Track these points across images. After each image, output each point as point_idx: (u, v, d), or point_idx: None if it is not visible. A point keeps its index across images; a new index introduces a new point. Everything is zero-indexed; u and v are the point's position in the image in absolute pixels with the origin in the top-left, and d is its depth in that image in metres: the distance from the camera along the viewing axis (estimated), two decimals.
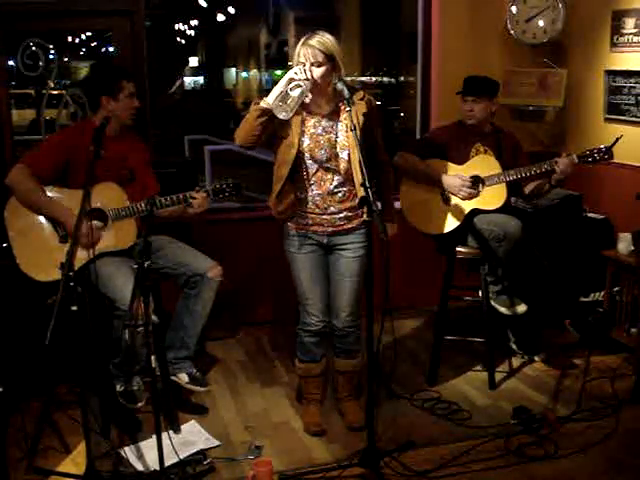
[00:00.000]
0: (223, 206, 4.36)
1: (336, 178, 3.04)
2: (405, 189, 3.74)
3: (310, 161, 3.02)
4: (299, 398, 3.48)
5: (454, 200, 3.64)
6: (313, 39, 2.92)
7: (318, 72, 2.91)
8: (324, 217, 3.07)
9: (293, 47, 3.02)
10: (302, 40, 2.96)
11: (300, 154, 3.00)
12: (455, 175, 3.61)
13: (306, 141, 3.00)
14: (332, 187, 3.04)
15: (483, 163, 3.67)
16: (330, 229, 3.09)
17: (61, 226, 3.16)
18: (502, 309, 3.83)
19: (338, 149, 3.01)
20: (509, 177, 3.58)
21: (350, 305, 3.15)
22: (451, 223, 3.64)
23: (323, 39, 2.93)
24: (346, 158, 3.01)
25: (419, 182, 3.69)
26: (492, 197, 3.61)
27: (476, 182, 3.60)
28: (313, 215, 3.07)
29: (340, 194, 3.06)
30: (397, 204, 3.59)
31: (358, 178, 2.98)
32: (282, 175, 3.02)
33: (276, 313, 4.58)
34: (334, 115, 3.04)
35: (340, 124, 3.03)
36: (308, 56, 2.91)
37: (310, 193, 3.05)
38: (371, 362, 2.76)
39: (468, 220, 3.61)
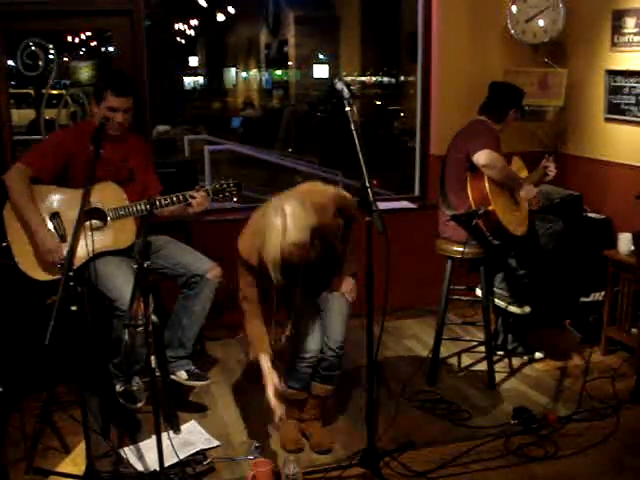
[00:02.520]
0: (223, 206, 4.35)
1: None
2: (492, 189, 3.47)
3: None
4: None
5: (522, 203, 3.66)
6: None
7: None
8: None
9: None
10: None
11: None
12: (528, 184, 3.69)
13: None
14: None
15: (523, 171, 3.82)
16: None
17: (60, 225, 3.15)
18: (515, 309, 3.85)
19: None
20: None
21: (342, 334, 3.04)
22: (525, 224, 3.65)
23: None
24: None
25: (502, 184, 3.53)
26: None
27: None
28: None
29: None
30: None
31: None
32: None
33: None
34: None
35: None
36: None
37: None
38: (371, 362, 2.75)
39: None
